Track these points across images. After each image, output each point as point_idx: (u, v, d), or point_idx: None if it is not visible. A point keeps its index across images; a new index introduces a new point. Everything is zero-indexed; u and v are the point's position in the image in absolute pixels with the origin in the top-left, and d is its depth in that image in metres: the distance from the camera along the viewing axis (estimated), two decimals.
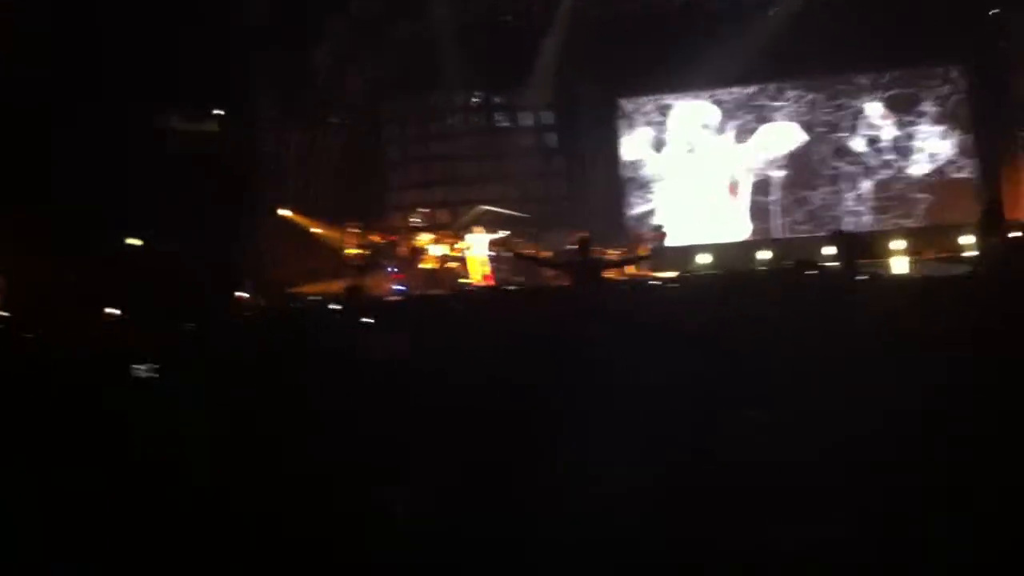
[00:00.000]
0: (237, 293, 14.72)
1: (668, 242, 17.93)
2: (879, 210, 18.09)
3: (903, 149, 18.14)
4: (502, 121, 20.37)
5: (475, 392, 4.49)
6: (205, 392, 4.98)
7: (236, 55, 15.30)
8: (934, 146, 18.01)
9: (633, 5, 17.57)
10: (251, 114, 16.93)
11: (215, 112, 16.57)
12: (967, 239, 13.84)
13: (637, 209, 19.39)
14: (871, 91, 18.24)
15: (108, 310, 11.02)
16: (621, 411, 3.87)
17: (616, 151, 19.55)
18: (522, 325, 6.95)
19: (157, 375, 5.41)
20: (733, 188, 18.82)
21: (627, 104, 19.53)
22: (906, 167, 18.13)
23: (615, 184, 19.47)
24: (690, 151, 19.14)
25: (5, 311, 12.28)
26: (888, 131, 18.19)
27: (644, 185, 19.42)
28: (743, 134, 18.86)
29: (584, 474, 3.37)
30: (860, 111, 18.30)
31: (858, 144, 18.34)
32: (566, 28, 17.84)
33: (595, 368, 4.64)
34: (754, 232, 18.55)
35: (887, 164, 18.19)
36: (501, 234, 17.38)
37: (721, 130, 18.97)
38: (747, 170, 18.81)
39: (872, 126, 18.25)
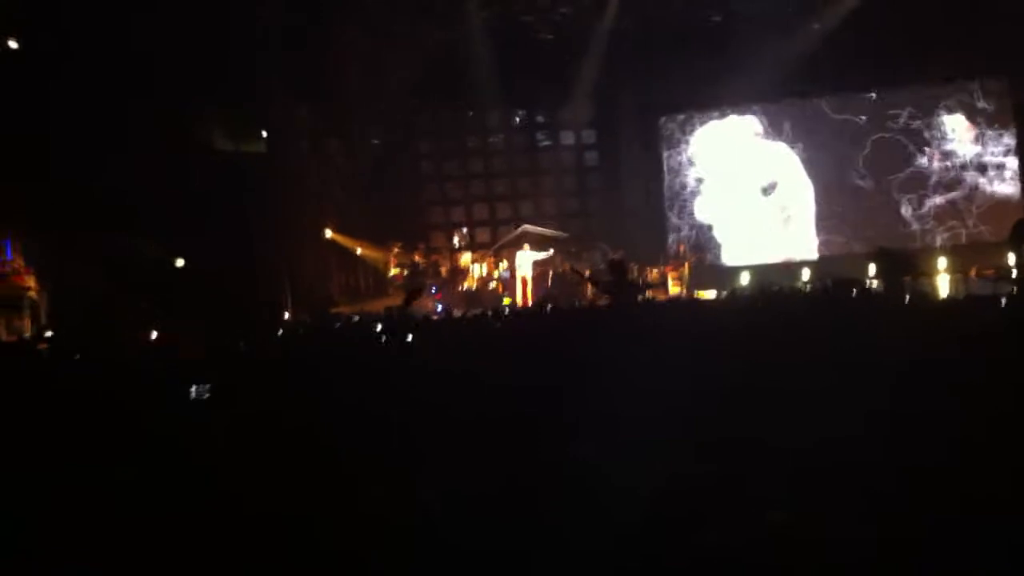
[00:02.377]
0: (282, 313, 14.93)
1: (709, 260, 17.94)
2: (928, 224, 17.84)
3: (960, 163, 17.79)
4: (543, 140, 20.50)
5: (509, 402, 4.58)
6: (252, 410, 5.09)
7: (277, 74, 15.52)
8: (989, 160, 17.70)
9: (672, 22, 17.58)
10: (293, 132, 17.18)
11: (261, 132, 16.86)
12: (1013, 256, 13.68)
13: (678, 227, 19.32)
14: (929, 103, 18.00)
15: (154, 331, 11.21)
16: (645, 420, 3.92)
17: (657, 168, 19.54)
18: (557, 339, 6.99)
19: (208, 395, 5.52)
20: (778, 203, 18.67)
21: (668, 121, 19.53)
22: (962, 182, 17.80)
23: (656, 202, 19.46)
24: (733, 167, 19.02)
25: (51, 330, 12.57)
26: (947, 144, 17.87)
27: (686, 203, 19.36)
28: (792, 148, 18.74)
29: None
30: (914, 123, 17.99)
31: (912, 158, 18.03)
32: (606, 46, 17.90)
33: (623, 380, 4.71)
34: (799, 248, 18.39)
35: (945, 178, 17.86)
36: (544, 254, 17.48)
37: (771, 143, 18.85)
38: (794, 185, 18.67)
39: (924, 139, 17.95)
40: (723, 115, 19.06)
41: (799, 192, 18.57)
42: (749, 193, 18.83)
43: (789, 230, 18.59)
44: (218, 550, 3.29)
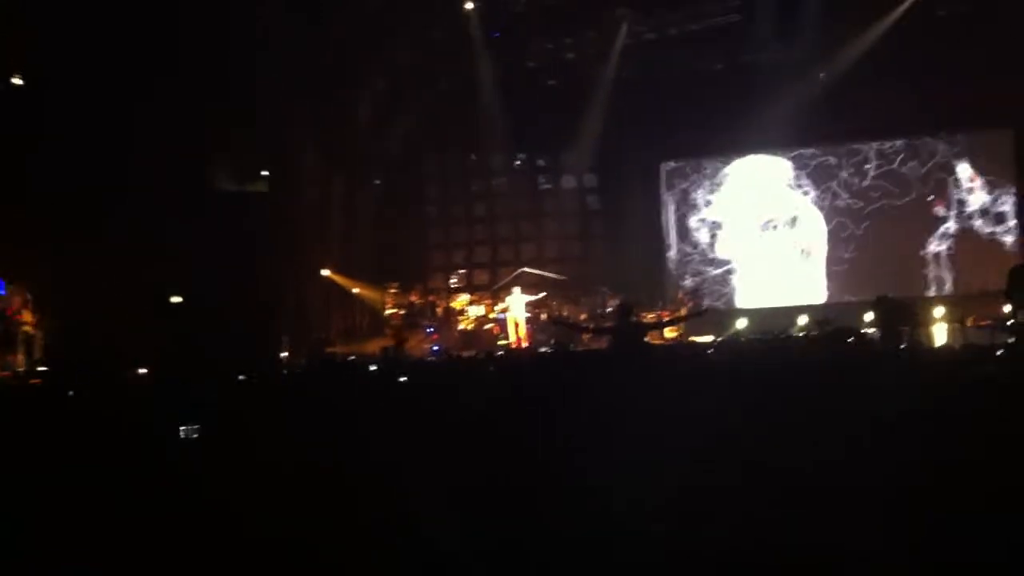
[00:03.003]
0: (280, 353, 14.89)
1: (706, 305, 17.92)
2: (932, 271, 17.80)
3: (964, 213, 17.74)
4: (544, 183, 20.58)
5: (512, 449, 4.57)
6: (247, 449, 5.08)
7: (279, 114, 15.62)
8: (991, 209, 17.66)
9: (675, 70, 17.72)
10: (295, 174, 17.25)
11: (262, 173, 16.93)
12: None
13: (678, 272, 19.35)
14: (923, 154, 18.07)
15: (144, 369, 11.19)
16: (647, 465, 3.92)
17: (658, 213, 19.61)
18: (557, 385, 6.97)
19: (197, 435, 5.51)
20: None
21: (670, 167, 19.62)
22: (965, 231, 17.73)
23: (656, 246, 19.49)
24: (734, 213, 19.10)
25: (44, 365, 12.53)
26: (950, 193, 17.85)
27: (687, 249, 19.39)
28: (791, 196, 18.80)
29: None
30: (919, 172, 17.95)
31: (918, 207, 18.02)
32: (609, 92, 18.03)
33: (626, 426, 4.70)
34: (801, 294, 18.37)
35: (949, 227, 17.80)
36: (538, 296, 17.49)
37: (776, 190, 18.88)
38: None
39: (928, 188, 17.91)
40: (728, 161, 19.12)
41: (815, 231, 18.59)
42: (769, 232, 18.85)
43: (804, 270, 18.55)
44: None
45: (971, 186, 17.68)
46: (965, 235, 17.67)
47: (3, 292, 12.72)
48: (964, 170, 17.74)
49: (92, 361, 11.94)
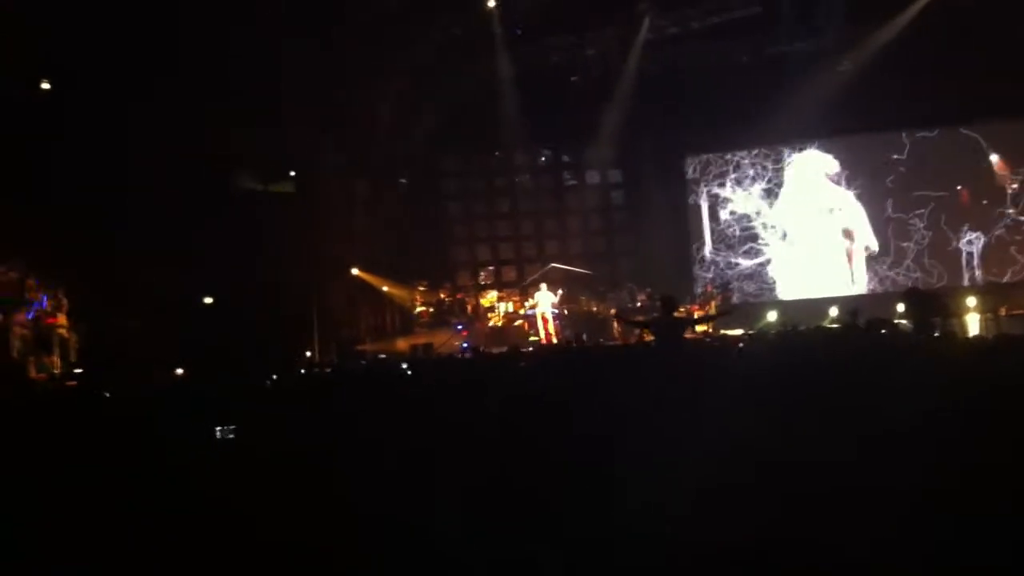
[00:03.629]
0: (307, 352, 14.97)
1: (735, 299, 17.87)
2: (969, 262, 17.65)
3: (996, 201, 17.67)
4: (569, 179, 20.58)
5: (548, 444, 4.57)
6: (279, 449, 5.11)
7: (304, 115, 15.67)
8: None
9: (699, 64, 17.65)
10: (320, 174, 17.32)
11: (290, 173, 17.02)
12: None
13: (706, 266, 19.28)
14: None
15: (180, 369, 11.28)
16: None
17: (683, 207, 19.54)
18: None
19: (233, 435, 5.55)
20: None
21: (695, 160, 19.55)
22: (999, 220, 17.60)
23: (681, 241, 19.43)
24: (763, 206, 19.01)
25: (79, 367, 12.68)
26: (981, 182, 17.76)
27: (715, 242, 19.32)
28: (825, 186, 18.69)
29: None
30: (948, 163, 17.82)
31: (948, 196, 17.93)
32: (632, 87, 17.99)
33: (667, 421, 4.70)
34: (833, 286, 18.26)
35: (982, 217, 17.68)
36: (559, 293, 17.49)
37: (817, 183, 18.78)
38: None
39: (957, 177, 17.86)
40: (751, 153, 19.05)
41: (848, 222, 18.53)
42: (801, 223, 18.80)
43: (837, 262, 18.47)
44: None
45: (1003, 175, 17.51)
46: (997, 224, 17.51)
47: (45, 306, 12.88)
48: (994, 160, 17.58)
49: (126, 363, 12.12)
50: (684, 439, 4.28)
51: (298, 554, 3.52)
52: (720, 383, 6.37)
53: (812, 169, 18.77)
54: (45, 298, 12.84)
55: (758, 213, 19.05)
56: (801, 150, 18.80)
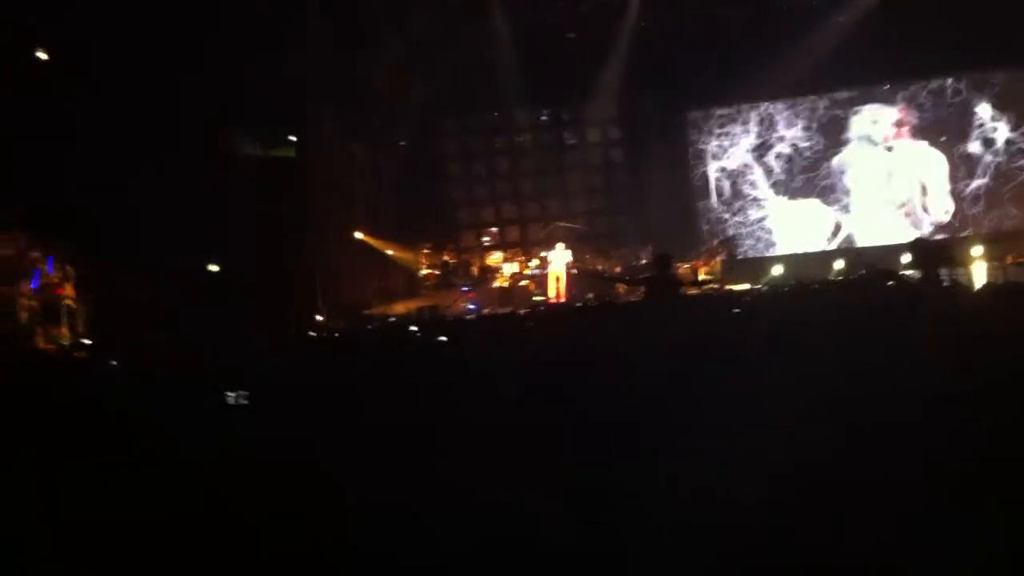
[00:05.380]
0: (315, 316, 14.99)
1: (741, 253, 17.85)
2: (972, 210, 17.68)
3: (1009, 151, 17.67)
4: (569, 138, 20.48)
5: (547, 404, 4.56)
6: (285, 417, 5.10)
7: (301, 76, 15.56)
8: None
9: (696, 17, 17.48)
10: (322, 136, 17.23)
11: (288, 137, 16.93)
12: None
13: (710, 222, 19.23)
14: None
15: (186, 333, 11.29)
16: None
17: (684, 163, 19.45)
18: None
19: (247, 402, 5.53)
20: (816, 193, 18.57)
21: (694, 115, 19.41)
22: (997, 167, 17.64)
23: (683, 197, 19.36)
24: (764, 159, 18.91)
25: (87, 338, 12.70)
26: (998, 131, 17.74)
27: (718, 198, 19.25)
28: (825, 141, 18.61)
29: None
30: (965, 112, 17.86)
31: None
32: (630, 42, 17.83)
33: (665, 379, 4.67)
34: (834, 240, 18.25)
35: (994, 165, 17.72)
36: (571, 251, 17.48)
37: (808, 138, 18.72)
38: (828, 176, 18.55)
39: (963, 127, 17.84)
40: (754, 108, 18.91)
41: (849, 174, 18.57)
42: (803, 176, 18.80)
43: (840, 215, 18.53)
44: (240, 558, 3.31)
45: (995, 124, 17.45)
46: (997, 173, 17.44)
47: (51, 271, 12.87)
48: (985, 109, 17.49)
49: (134, 332, 12.14)
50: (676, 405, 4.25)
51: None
52: (718, 342, 6.34)
53: (799, 119, 18.72)
54: (51, 267, 12.83)
55: (756, 167, 18.96)
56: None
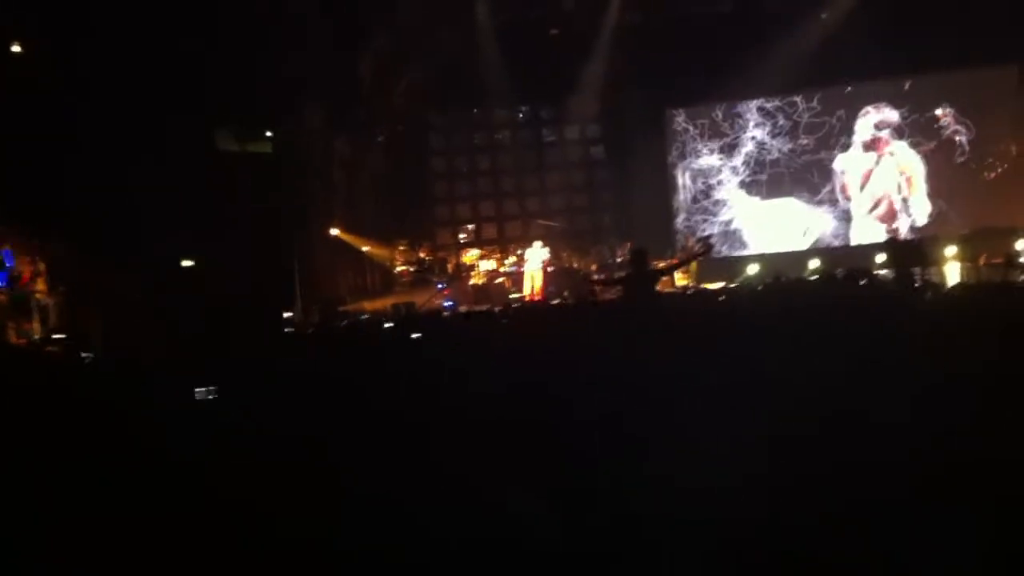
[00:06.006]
0: (288, 312, 14.90)
1: (717, 252, 17.88)
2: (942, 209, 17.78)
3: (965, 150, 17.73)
4: (549, 135, 20.45)
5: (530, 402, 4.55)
6: (261, 412, 5.07)
7: (283, 71, 15.46)
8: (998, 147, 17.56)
9: (679, 14, 17.47)
10: (299, 131, 17.14)
11: (267, 133, 16.82)
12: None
13: (687, 220, 19.24)
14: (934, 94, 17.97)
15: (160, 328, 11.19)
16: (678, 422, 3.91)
17: (664, 161, 19.44)
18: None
19: (215, 396, 5.50)
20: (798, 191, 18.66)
21: (675, 113, 19.44)
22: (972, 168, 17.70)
23: (663, 195, 19.36)
24: (741, 158, 18.96)
25: (61, 332, 12.58)
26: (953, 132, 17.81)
27: (694, 195, 19.27)
28: (804, 141, 18.65)
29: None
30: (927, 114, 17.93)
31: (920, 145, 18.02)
32: (612, 39, 17.82)
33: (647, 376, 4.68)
34: (812, 239, 18.33)
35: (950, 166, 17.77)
36: (549, 249, 17.46)
37: (785, 136, 18.75)
38: (805, 176, 18.62)
39: (933, 129, 17.93)
40: (734, 106, 18.94)
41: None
42: (761, 184, 18.84)
43: (816, 215, 18.56)
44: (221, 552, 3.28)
45: (956, 127, 17.55)
46: (959, 174, 17.59)
47: (10, 263, 12.72)
48: (945, 111, 17.65)
49: (106, 327, 12.04)
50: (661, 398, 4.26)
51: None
52: (695, 335, 6.36)
53: (777, 120, 18.76)
54: (10, 259, 12.68)
55: (734, 165, 19.00)
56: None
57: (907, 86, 17.91)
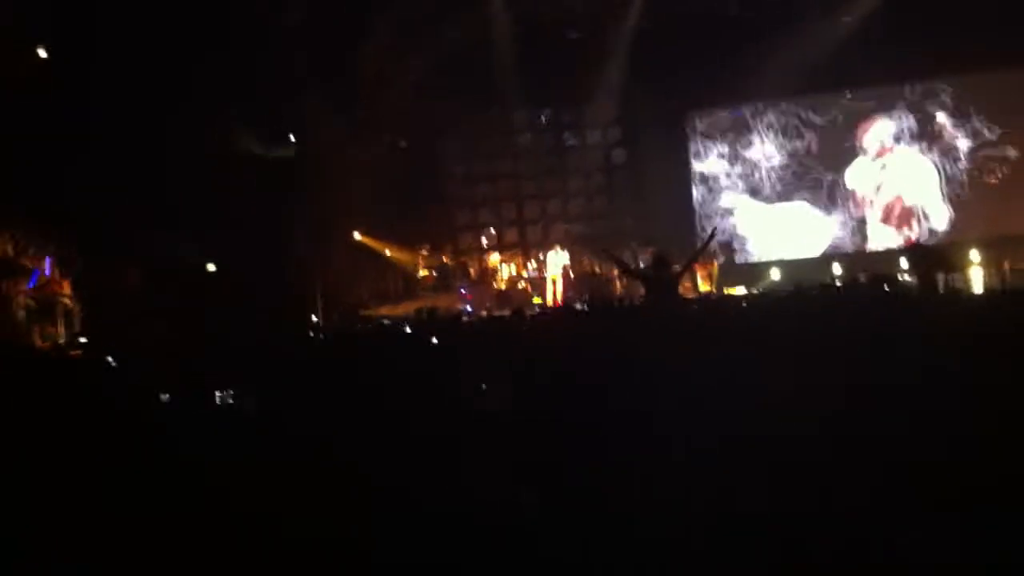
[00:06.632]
0: (312, 316, 14.97)
1: (739, 257, 17.80)
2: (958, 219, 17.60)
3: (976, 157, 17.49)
4: (569, 139, 20.43)
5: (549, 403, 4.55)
6: (281, 416, 5.09)
7: (301, 74, 15.53)
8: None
9: (699, 18, 17.38)
10: (322, 135, 17.20)
11: (289, 137, 16.90)
12: None
13: (707, 224, 19.15)
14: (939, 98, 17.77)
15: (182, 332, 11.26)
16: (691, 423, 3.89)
17: (685, 165, 19.40)
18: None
19: (235, 400, 5.52)
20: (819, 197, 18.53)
21: (696, 117, 19.38)
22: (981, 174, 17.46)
23: (683, 199, 19.31)
24: (765, 162, 18.87)
25: (86, 336, 12.69)
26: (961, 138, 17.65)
27: (715, 199, 19.20)
28: (821, 147, 18.53)
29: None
30: (933, 118, 17.74)
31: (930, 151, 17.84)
32: (632, 43, 17.77)
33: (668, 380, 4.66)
34: (832, 244, 18.21)
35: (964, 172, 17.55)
36: (568, 253, 17.45)
37: (802, 140, 18.66)
38: (822, 182, 18.50)
39: (944, 134, 17.72)
40: (754, 110, 18.85)
41: (850, 178, 18.44)
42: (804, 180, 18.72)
43: (840, 219, 18.38)
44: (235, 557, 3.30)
45: (969, 132, 17.35)
46: (976, 179, 17.39)
47: (48, 272, 12.87)
48: (957, 117, 17.47)
49: (129, 332, 12.11)
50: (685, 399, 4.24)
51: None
52: (723, 342, 6.32)
53: (802, 122, 18.65)
54: (48, 266, 12.82)
55: (757, 169, 18.92)
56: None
57: (917, 91, 17.73)
